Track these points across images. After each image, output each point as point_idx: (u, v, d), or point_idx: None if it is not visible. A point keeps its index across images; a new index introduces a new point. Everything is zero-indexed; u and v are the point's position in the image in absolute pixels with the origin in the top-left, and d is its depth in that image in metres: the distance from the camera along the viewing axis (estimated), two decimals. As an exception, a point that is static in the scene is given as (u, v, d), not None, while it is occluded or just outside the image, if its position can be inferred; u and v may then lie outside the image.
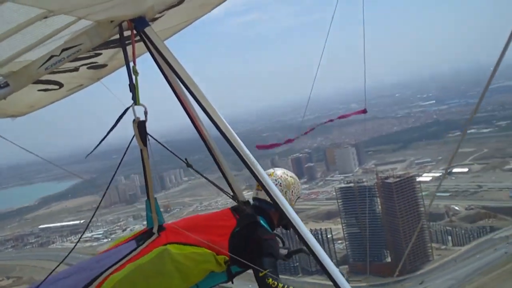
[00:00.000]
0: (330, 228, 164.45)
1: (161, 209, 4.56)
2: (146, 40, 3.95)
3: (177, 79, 4.14)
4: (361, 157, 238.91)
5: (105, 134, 4.02)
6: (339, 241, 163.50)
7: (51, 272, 4.26)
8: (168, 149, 4.66)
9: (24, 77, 3.74)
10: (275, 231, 4.99)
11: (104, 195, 5.92)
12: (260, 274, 4.24)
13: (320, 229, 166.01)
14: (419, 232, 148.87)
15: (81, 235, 68.58)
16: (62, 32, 3.55)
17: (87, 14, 3.42)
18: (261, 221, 4.77)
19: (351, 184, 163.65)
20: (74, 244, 6.14)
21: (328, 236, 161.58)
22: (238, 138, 4.00)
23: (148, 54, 4.20)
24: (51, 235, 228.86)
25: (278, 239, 4.89)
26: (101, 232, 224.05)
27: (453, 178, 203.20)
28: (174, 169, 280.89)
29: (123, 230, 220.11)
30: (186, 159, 4.88)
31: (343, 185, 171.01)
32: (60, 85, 5.00)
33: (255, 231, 4.63)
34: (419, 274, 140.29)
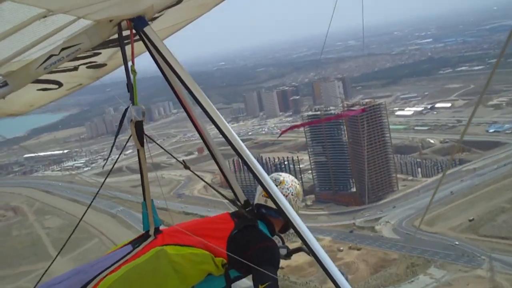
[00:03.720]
0: (298, 157, 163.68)
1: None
2: (145, 40, 3.93)
3: (176, 79, 4.06)
4: (347, 91, 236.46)
5: (113, 139, 4.27)
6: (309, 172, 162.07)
7: (45, 270, 4.46)
8: (165, 150, 4.89)
9: (23, 77, 3.71)
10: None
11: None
12: (261, 286, 4.01)
13: (288, 158, 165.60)
14: (384, 163, 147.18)
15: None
16: (61, 31, 3.55)
17: (86, 13, 3.44)
18: (261, 226, 4.59)
19: (318, 112, 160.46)
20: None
21: (300, 166, 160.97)
22: (238, 138, 3.92)
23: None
24: (34, 164, 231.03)
25: (277, 237, 4.85)
26: (83, 161, 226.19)
27: (434, 112, 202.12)
28: (163, 101, 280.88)
29: (104, 160, 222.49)
30: (183, 160, 4.90)
31: (310, 113, 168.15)
32: (60, 84, 4.99)
33: (254, 236, 4.44)
34: (381, 204, 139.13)
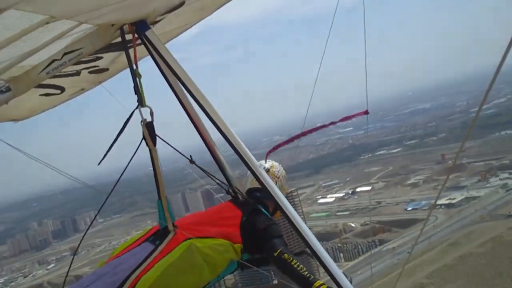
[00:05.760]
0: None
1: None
2: (147, 43, 4.03)
3: (178, 82, 4.24)
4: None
5: (114, 139, 4.10)
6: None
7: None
8: (175, 149, 4.93)
9: (26, 82, 3.78)
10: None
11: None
12: (275, 254, 4.42)
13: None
14: (304, 251, 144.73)
15: None
16: (63, 36, 3.61)
17: (88, 18, 3.50)
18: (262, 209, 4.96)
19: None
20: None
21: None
22: (238, 138, 4.12)
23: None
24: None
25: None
26: (2, 281, 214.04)
27: (355, 197, 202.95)
28: (88, 211, 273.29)
29: (25, 277, 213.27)
30: (190, 156, 5.11)
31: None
32: (62, 89, 5.07)
33: (260, 218, 4.81)
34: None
